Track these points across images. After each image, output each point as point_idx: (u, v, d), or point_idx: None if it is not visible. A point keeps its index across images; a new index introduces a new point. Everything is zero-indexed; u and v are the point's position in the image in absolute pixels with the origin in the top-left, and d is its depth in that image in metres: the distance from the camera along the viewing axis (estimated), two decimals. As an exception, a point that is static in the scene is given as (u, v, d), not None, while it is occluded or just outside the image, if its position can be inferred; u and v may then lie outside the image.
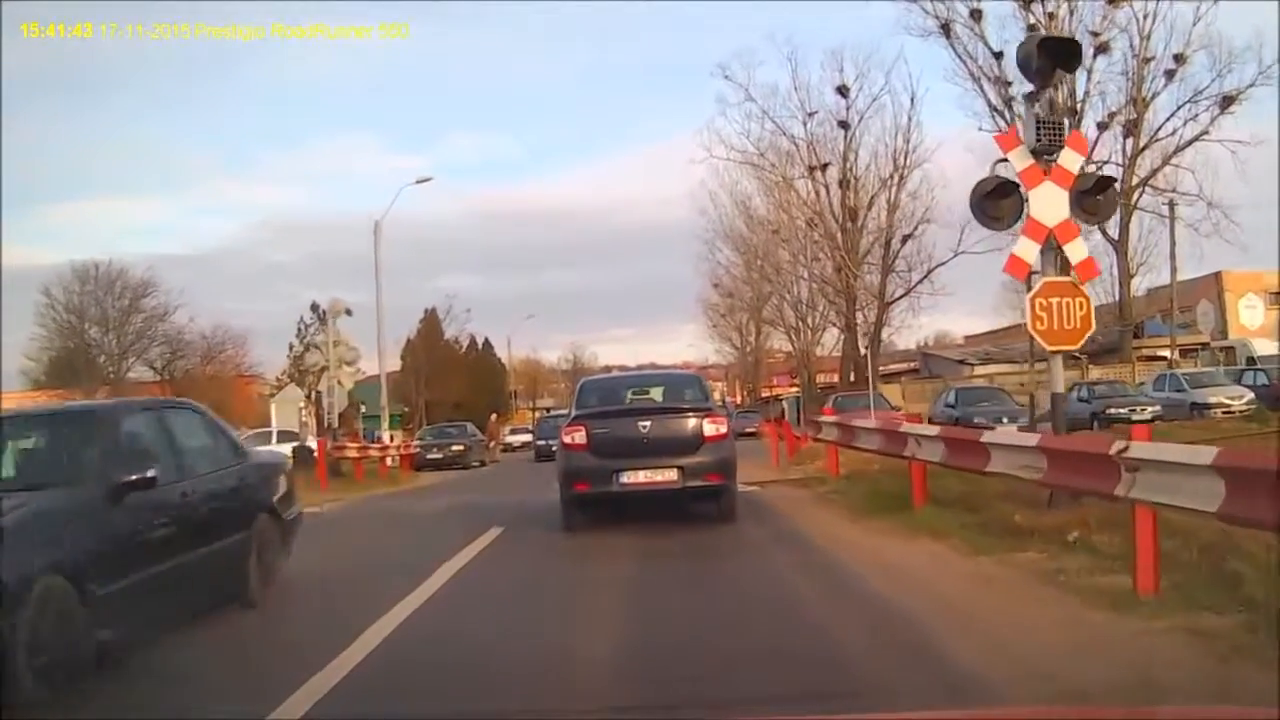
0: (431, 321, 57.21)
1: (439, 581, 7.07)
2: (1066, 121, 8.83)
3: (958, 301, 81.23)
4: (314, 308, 25.69)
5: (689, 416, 9.34)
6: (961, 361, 46.97)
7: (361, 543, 10.62)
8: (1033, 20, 40.28)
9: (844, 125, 47.46)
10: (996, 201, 8.53)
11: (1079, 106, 41.22)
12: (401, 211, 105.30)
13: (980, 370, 43.19)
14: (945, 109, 76.57)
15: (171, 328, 56.63)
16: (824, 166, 47.72)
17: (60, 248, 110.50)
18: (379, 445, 23.82)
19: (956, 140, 77.42)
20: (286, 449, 24.45)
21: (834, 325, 52.31)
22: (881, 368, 45.09)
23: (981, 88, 42.07)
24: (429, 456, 28.91)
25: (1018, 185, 8.41)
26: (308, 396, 22.63)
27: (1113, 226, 41.14)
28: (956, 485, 9.89)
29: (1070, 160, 8.59)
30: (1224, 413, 25.17)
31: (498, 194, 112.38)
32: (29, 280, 56.34)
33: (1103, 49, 41.36)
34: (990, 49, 41.87)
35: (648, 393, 10.89)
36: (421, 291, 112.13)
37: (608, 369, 58.19)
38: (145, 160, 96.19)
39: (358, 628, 5.45)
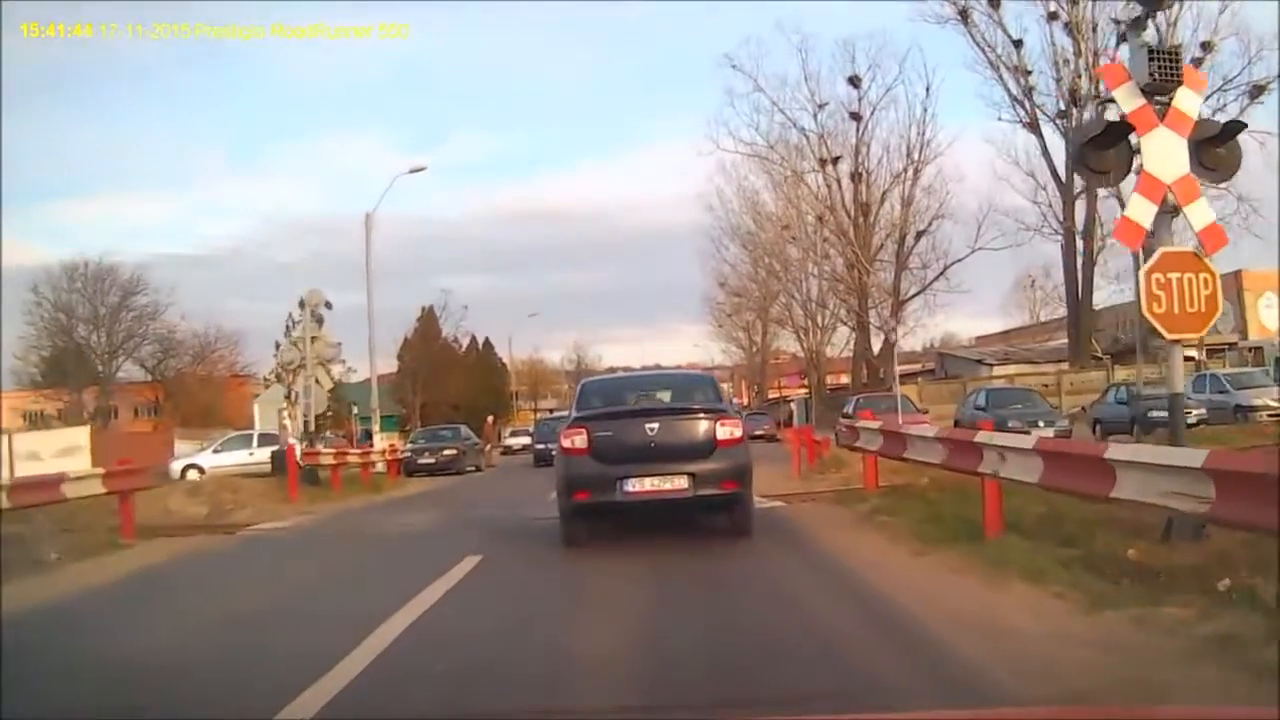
0: (429, 320, 55.42)
1: (353, 669, 4.73)
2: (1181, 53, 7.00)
3: (962, 303, 79.10)
4: (301, 304, 24.12)
5: (700, 418, 8.49)
6: (980, 361, 45.12)
7: (285, 585, 8.03)
8: (1053, 7, 38.69)
9: (856, 117, 45.78)
10: (1101, 151, 6.76)
11: (1103, 94, 39.65)
12: (404, 211, 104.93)
13: (999, 371, 41.35)
14: (961, 101, 74.70)
15: (162, 326, 55.59)
16: (835, 160, 46.01)
17: (60, 247, 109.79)
18: (361, 450, 22.04)
19: (974, 132, 75.86)
20: (266, 453, 22.83)
21: (845, 324, 50.60)
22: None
23: (1001, 76, 40.54)
24: (420, 461, 27.24)
25: (1128, 129, 6.63)
26: (287, 397, 20.83)
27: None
28: (1028, 504, 8.11)
29: (1188, 102, 6.85)
30: (1269, 415, 23.46)
31: (501, 193, 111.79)
32: (19, 278, 54.94)
33: (1125, 38, 39.67)
34: (1010, 36, 40.35)
35: (654, 395, 9.84)
36: (424, 292, 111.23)
37: (612, 370, 56.50)
38: (145, 160, 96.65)
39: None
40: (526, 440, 39.32)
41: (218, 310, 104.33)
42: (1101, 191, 39.48)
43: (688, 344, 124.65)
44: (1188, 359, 40.36)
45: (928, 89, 43.90)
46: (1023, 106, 40.43)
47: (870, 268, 44.82)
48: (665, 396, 9.76)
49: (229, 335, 57.34)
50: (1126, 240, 7.01)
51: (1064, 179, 39.97)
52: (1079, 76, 39.33)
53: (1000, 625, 5.21)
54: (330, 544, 10.87)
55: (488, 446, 34.07)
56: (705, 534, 8.94)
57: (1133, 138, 6.80)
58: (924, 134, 43.96)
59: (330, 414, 46.63)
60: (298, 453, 17.33)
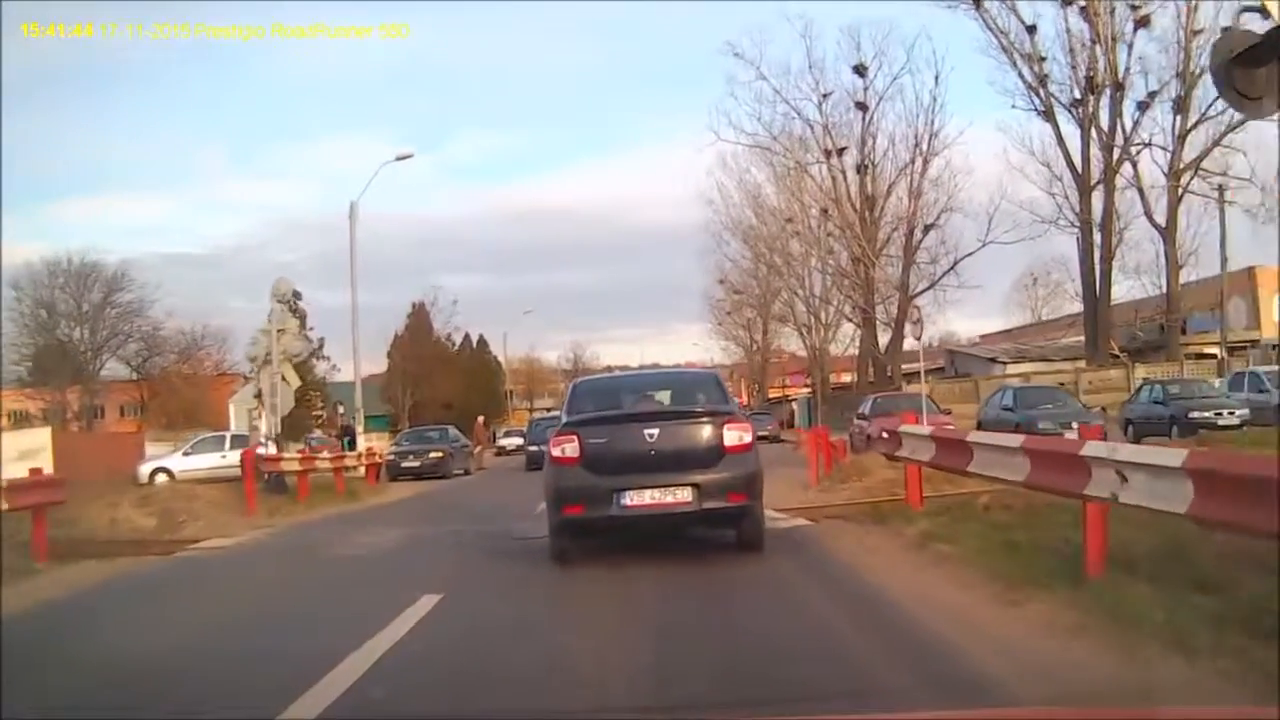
0: (420, 316, 53.69)
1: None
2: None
3: (963, 301, 76.85)
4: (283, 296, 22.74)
5: (705, 422, 7.81)
6: (993, 360, 43.44)
7: (179, 632, 6.06)
8: (1068, -8, 37.04)
9: (862, 107, 44.13)
10: (1249, 70, 5.08)
11: (1121, 80, 37.96)
12: (404, 211, 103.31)
13: (1013, 369, 39.70)
14: (969, 91, 72.39)
15: (147, 323, 53.99)
16: (840, 151, 44.32)
17: (60, 247, 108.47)
18: (333, 454, 20.33)
19: (985, 122, 74.15)
20: (238, 456, 21.19)
21: (849, 320, 48.91)
22: (903, 366, 41.62)
23: (1015, 62, 38.86)
24: (404, 465, 25.64)
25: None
26: (256, 395, 19.15)
27: (1160, 213, 37.82)
28: (1123, 530, 6.41)
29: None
30: (1319, 415, 21.87)
31: (501, 193, 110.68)
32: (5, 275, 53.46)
33: (1143, 23, 38.01)
34: (1023, 22, 38.68)
35: (654, 397, 8.82)
36: (422, 290, 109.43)
37: (609, 369, 54.77)
38: (145, 160, 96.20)
39: None
40: (520, 441, 37.71)
41: (218, 310, 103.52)
42: (1120, 182, 38.07)
43: (687, 344, 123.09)
44: (1209, 357, 38.88)
45: (936, 77, 42.26)
46: (1037, 94, 38.88)
47: (876, 261, 43.15)
48: (665, 397, 8.92)
49: (216, 333, 55.69)
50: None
51: (1079, 169, 38.38)
52: (1095, 62, 37.74)
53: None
54: (268, 571, 9.13)
55: (477, 448, 32.38)
56: (726, 564, 7.49)
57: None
58: (932, 124, 42.34)
59: (322, 414, 45.26)
60: (256, 458, 15.63)
